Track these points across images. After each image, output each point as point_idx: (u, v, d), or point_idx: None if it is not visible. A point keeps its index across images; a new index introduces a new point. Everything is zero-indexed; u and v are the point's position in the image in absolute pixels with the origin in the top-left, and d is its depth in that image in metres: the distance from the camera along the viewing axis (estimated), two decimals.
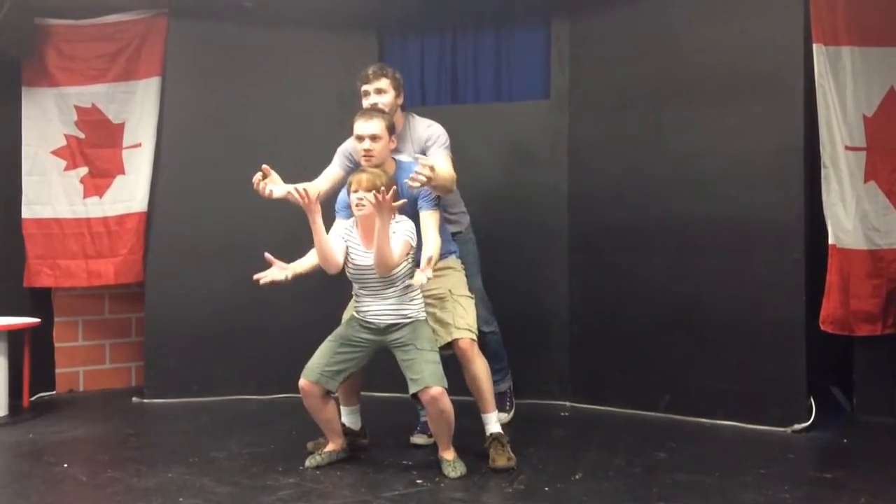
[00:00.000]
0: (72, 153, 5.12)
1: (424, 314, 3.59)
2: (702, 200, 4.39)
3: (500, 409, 4.27)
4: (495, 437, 3.62)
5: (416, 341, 3.48)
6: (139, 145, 5.09)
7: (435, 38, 5.22)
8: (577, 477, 3.43)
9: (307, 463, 3.61)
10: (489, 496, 3.27)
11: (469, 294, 3.77)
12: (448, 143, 3.88)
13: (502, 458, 3.54)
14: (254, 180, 3.62)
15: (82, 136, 5.13)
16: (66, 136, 5.11)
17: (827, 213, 4.18)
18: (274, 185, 3.64)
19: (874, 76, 4.18)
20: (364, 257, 3.50)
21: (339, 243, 3.55)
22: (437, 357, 3.48)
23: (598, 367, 4.74)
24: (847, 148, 4.17)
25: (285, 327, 4.96)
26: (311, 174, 3.87)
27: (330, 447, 3.68)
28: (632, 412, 4.56)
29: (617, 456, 3.72)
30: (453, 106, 5.17)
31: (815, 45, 4.13)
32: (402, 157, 3.77)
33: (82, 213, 5.13)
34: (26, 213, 5.08)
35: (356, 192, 3.44)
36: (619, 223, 4.65)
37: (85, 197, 5.13)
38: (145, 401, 5.02)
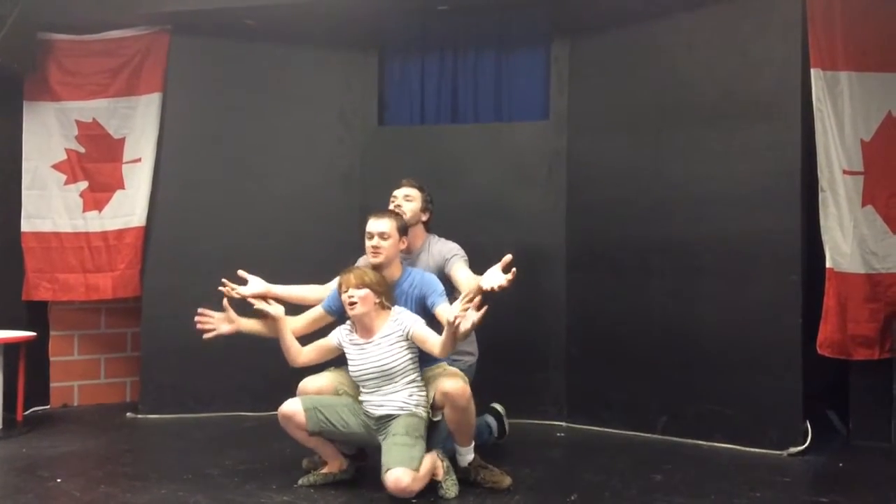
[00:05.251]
0: (72, 167, 5.14)
1: (422, 411, 3.47)
2: (700, 222, 4.40)
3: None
4: (477, 465, 3.57)
5: (394, 427, 3.40)
6: (139, 160, 5.11)
7: (435, 58, 5.25)
8: (572, 498, 3.41)
9: (301, 481, 3.59)
10: None
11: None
12: (466, 258, 3.89)
13: (498, 477, 3.52)
14: (225, 290, 3.68)
15: (83, 150, 5.14)
16: (66, 150, 5.12)
17: (825, 236, 4.19)
18: (245, 289, 3.72)
19: (872, 101, 4.20)
20: (363, 352, 3.49)
21: (327, 343, 3.63)
22: (408, 441, 3.34)
23: (594, 387, 4.73)
24: (845, 172, 4.18)
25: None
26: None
27: (327, 469, 3.63)
28: (628, 433, 4.55)
29: (613, 478, 3.71)
30: (453, 125, 5.19)
31: (813, 70, 4.16)
32: (416, 269, 3.75)
33: (81, 227, 5.14)
34: (25, 226, 5.09)
35: (346, 291, 3.46)
36: (617, 244, 4.66)
37: (84, 211, 5.14)
38: (140, 416, 5.01)
